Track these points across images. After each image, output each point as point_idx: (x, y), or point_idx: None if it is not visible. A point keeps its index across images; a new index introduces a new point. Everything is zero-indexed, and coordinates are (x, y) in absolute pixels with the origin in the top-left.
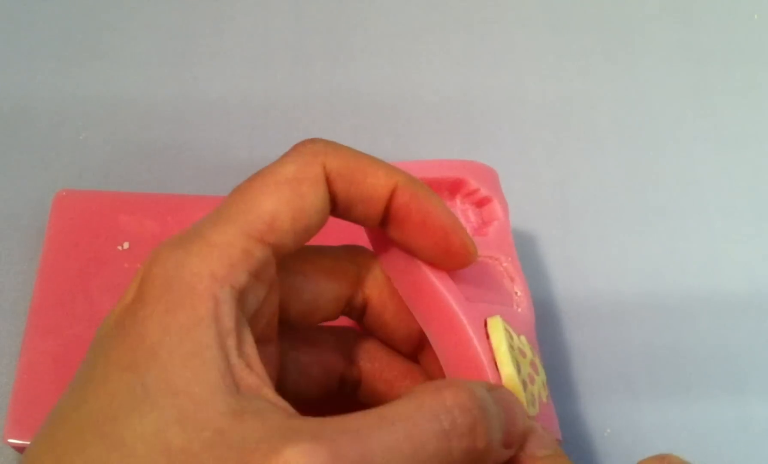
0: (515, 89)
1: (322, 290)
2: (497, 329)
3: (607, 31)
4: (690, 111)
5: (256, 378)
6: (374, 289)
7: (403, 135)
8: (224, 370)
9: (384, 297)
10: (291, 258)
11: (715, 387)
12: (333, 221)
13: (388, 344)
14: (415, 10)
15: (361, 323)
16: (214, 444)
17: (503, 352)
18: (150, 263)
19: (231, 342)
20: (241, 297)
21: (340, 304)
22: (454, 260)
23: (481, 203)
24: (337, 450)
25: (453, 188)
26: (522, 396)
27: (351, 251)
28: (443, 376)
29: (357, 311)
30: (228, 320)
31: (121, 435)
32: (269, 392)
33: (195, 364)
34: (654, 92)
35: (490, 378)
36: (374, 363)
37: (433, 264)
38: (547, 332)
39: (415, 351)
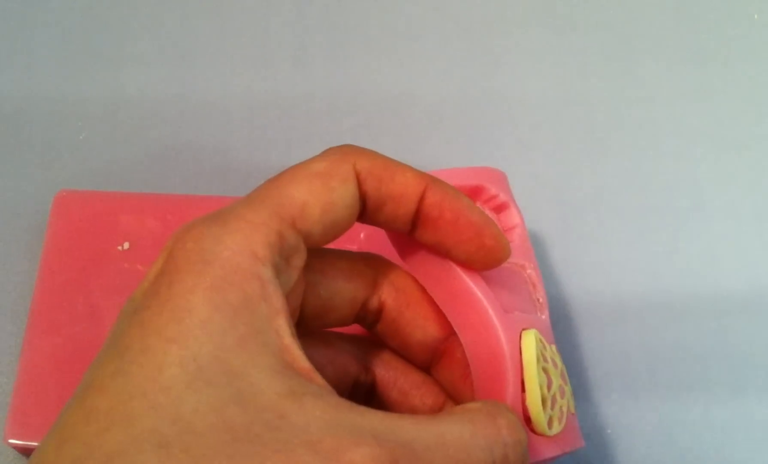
0: (515, 89)
1: (339, 289)
2: (531, 345)
3: (607, 31)
4: (690, 111)
5: (307, 360)
6: (390, 294)
7: (403, 135)
8: (279, 352)
9: (399, 303)
10: (310, 256)
11: (715, 387)
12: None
13: (401, 353)
14: (415, 11)
15: (374, 331)
16: (278, 427)
17: (532, 370)
18: (181, 237)
19: (282, 322)
20: (278, 278)
21: (356, 306)
22: (489, 257)
23: (500, 209)
24: (396, 460)
25: (472, 195)
26: (542, 416)
27: (369, 257)
28: (458, 388)
29: (371, 315)
30: (276, 300)
31: (176, 409)
32: (318, 376)
33: (251, 346)
34: (654, 92)
35: (510, 396)
36: (389, 371)
37: (467, 265)
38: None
39: (429, 361)
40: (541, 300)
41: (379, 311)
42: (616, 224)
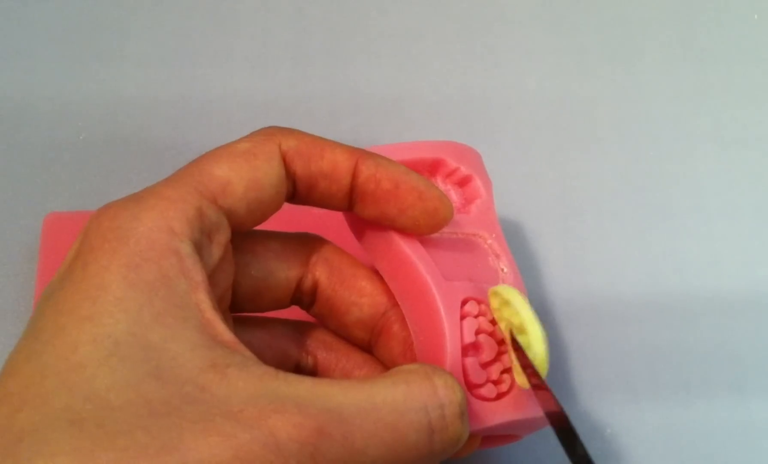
0: (515, 89)
1: (271, 269)
2: (512, 293)
3: (607, 31)
4: (690, 111)
5: (231, 333)
6: (323, 272)
7: (403, 135)
8: (201, 326)
9: (333, 282)
10: (241, 239)
11: (715, 387)
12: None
13: (341, 334)
14: (415, 10)
15: (313, 312)
16: (198, 400)
17: (527, 313)
18: (96, 217)
19: (203, 297)
20: (199, 254)
21: (290, 285)
22: (434, 219)
23: (462, 183)
24: (321, 428)
25: (432, 168)
26: (544, 362)
27: (302, 237)
28: (399, 364)
29: (307, 295)
30: (195, 274)
31: (90, 386)
32: (243, 348)
33: (169, 321)
34: (654, 92)
35: (448, 362)
36: (330, 352)
37: (413, 230)
38: (547, 332)
39: (369, 341)
40: (506, 270)
41: (314, 291)
42: (616, 224)
